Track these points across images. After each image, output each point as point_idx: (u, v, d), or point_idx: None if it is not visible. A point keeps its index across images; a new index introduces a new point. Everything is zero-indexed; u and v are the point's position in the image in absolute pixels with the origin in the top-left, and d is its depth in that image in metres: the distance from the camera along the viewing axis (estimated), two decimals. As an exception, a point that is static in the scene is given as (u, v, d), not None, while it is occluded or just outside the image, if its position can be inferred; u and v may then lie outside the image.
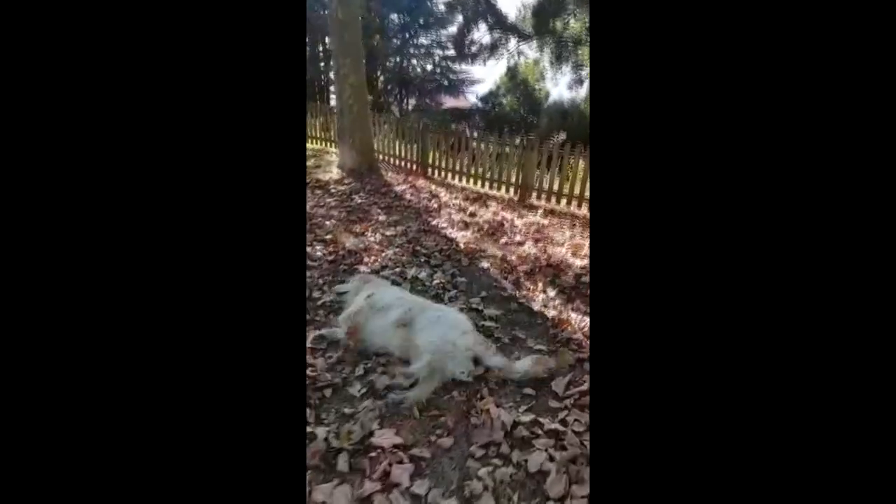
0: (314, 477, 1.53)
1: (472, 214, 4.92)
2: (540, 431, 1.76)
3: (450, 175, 6.49)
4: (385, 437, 1.69)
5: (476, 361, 2.07)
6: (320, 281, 3.05)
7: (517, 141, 6.02)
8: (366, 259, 3.47)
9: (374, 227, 4.30)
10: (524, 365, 2.07)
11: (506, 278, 3.30)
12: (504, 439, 1.71)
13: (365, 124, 6.52)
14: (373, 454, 1.62)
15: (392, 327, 2.19)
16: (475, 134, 6.72)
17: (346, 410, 1.87)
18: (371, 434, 1.71)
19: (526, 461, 1.61)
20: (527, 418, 1.81)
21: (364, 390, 1.98)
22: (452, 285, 3.10)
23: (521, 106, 13.46)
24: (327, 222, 4.30)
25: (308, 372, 2.06)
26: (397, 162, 7.08)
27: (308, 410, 1.84)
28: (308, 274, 3.13)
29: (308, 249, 3.58)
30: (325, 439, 1.68)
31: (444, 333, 2.08)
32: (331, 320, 2.54)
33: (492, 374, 2.07)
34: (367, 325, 2.25)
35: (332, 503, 1.43)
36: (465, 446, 1.70)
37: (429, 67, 14.29)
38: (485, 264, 3.53)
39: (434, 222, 4.56)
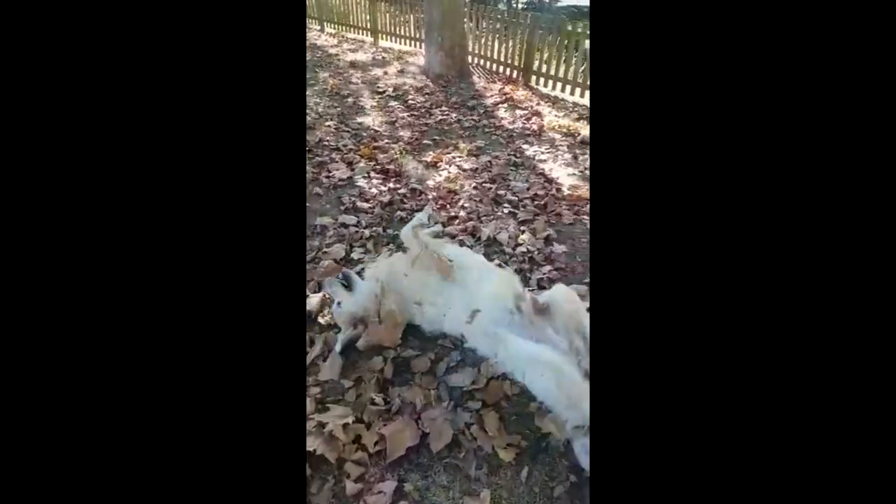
0: None
1: (585, 142, 3.67)
2: None
3: (559, 86, 5.06)
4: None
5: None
6: (366, 232, 2.27)
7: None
8: (431, 204, 2.59)
9: (450, 155, 3.33)
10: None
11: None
12: None
13: (457, 19, 5.21)
14: None
15: None
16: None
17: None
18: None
19: None
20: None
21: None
22: (545, 256, 2.14)
23: None
24: (394, 145, 3.42)
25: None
26: (495, 67, 5.75)
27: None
28: (355, 219, 2.37)
29: (362, 182, 2.80)
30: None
31: None
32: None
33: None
34: None
35: None
36: None
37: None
38: (597, 223, 2.45)
39: (530, 152, 3.45)
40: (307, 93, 4.56)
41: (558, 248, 2.21)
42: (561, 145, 3.60)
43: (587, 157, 3.38)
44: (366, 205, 2.54)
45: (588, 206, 2.63)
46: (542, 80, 5.24)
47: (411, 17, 6.96)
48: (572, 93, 4.94)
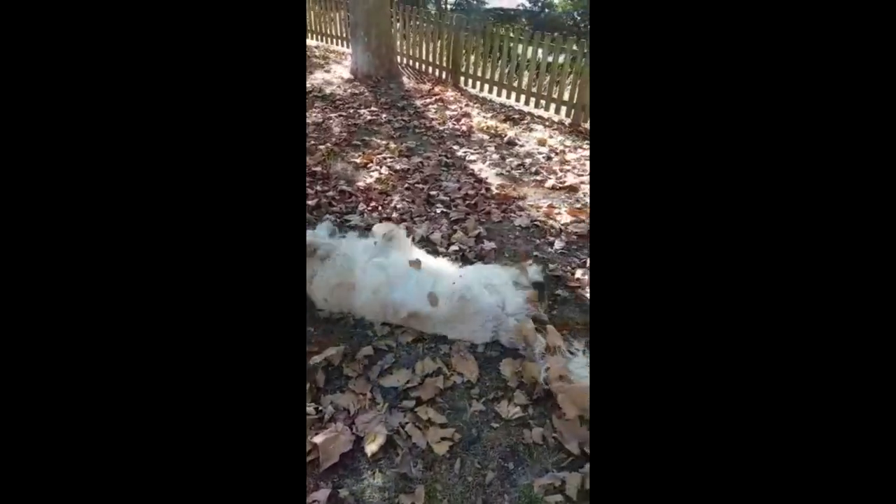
0: None
1: (511, 143, 3.82)
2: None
3: (486, 87, 5.22)
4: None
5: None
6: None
7: (574, 46, 4.46)
8: (362, 206, 2.56)
9: (380, 156, 3.32)
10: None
11: (551, 244, 2.36)
12: None
13: (383, 18, 5.18)
14: None
15: None
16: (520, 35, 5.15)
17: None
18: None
19: None
20: None
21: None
22: (476, 253, 2.21)
23: (578, 7, 11.08)
24: (321, 146, 3.34)
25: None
26: (424, 67, 5.79)
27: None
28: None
29: (289, 186, 2.70)
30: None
31: None
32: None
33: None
34: None
35: None
36: None
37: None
38: (522, 219, 2.57)
39: (460, 152, 3.52)
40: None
41: (488, 244, 2.29)
42: (489, 146, 3.71)
43: (514, 157, 3.52)
44: (293, 209, 2.45)
45: (515, 204, 2.75)
46: (470, 81, 5.36)
47: (337, 15, 6.79)
48: (499, 94, 5.12)
